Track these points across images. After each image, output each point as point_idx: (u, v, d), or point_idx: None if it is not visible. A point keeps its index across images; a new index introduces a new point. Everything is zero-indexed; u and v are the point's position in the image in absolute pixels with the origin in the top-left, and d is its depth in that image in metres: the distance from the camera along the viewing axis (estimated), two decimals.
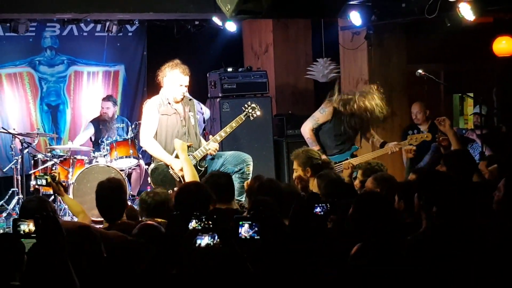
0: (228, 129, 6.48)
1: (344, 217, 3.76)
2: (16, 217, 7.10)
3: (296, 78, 9.56)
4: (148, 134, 6.35)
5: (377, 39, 8.22)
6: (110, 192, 4.56)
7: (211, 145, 6.36)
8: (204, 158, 6.38)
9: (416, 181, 4.37)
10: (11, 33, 8.80)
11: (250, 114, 6.58)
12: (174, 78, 6.34)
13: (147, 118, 6.43)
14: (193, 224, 3.15)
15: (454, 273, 3.22)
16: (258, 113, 6.66)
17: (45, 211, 3.65)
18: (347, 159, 6.64)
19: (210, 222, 3.10)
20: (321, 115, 6.86)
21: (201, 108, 7.67)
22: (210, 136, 6.73)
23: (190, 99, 6.60)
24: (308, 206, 3.84)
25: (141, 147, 8.06)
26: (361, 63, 8.32)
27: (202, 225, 3.13)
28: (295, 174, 5.76)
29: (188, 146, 6.30)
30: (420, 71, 6.94)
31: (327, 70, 8.67)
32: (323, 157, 5.89)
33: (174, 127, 6.37)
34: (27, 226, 3.11)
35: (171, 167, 6.27)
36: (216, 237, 3.07)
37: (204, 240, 3.09)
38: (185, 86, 6.40)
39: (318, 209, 3.88)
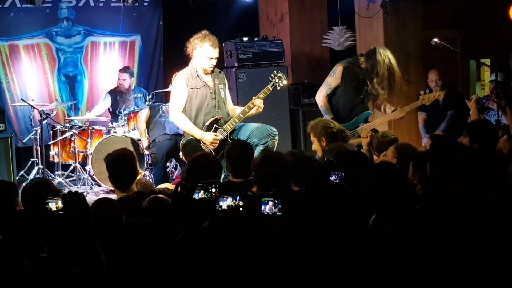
0: (261, 95, 6.36)
1: (356, 187, 3.79)
2: None
3: (311, 47, 9.54)
4: (177, 108, 6.27)
5: (393, 6, 8.16)
6: (118, 159, 4.58)
7: (257, 101, 6.29)
8: (233, 130, 6.32)
9: (429, 150, 4.36)
10: (28, 5, 8.87)
11: (277, 84, 6.45)
12: (204, 50, 6.24)
13: (176, 92, 6.34)
14: (200, 194, 3.13)
15: (462, 246, 3.22)
16: (285, 82, 6.55)
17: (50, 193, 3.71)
18: (360, 125, 6.65)
19: (217, 192, 3.10)
20: (332, 78, 6.81)
21: None
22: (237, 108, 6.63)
23: (220, 72, 6.53)
24: (324, 174, 3.84)
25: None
26: (377, 31, 8.28)
27: (208, 195, 3.12)
28: (313, 146, 5.77)
29: (218, 119, 6.27)
30: (435, 39, 6.89)
31: (342, 38, 8.63)
32: (338, 125, 5.85)
33: (203, 100, 6.28)
34: (55, 204, 3.17)
35: (202, 141, 6.22)
36: (238, 199, 3.07)
37: (227, 202, 3.10)
38: (215, 58, 6.30)
39: (333, 177, 3.91)
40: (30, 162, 8.36)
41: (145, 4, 10.06)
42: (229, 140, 6.16)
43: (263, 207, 3.00)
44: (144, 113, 8.15)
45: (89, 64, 9.94)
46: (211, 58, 6.26)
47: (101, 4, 9.83)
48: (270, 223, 3.06)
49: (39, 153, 8.18)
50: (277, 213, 2.98)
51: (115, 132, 8.34)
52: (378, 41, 8.23)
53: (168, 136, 7.81)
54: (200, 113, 6.27)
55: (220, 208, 3.06)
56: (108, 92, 9.07)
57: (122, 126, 8.39)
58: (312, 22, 9.49)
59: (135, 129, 8.37)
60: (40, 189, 3.92)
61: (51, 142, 8.44)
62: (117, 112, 8.65)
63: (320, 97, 6.84)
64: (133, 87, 9.04)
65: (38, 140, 8.21)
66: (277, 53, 8.72)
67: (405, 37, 8.27)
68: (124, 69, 9.04)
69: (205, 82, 6.30)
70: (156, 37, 10.22)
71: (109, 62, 9.97)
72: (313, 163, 4.44)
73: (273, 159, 4.34)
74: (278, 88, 6.52)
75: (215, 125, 6.25)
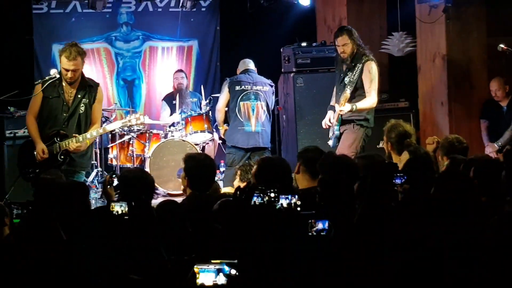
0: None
1: (420, 192, 3.72)
2: (95, 190, 7.30)
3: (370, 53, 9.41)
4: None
5: (456, 11, 8.00)
6: (204, 165, 4.55)
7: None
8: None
9: (505, 159, 4.25)
10: (89, 10, 9.00)
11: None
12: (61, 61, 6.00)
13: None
14: (259, 199, 3.14)
15: None
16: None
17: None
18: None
19: (276, 197, 3.07)
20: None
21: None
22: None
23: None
24: (387, 175, 3.78)
25: (215, 122, 8.18)
26: (439, 36, 8.12)
27: (265, 200, 3.11)
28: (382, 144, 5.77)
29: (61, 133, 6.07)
30: (502, 45, 6.75)
31: (402, 44, 8.49)
32: (408, 127, 5.71)
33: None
34: (120, 208, 3.18)
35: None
36: (296, 197, 3.07)
37: (285, 201, 3.09)
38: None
39: (397, 180, 3.85)
40: None
41: (203, 9, 10.11)
42: (59, 159, 5.97)
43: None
44: (221, 102, 7.86)
45: (147, 69, 10.04)
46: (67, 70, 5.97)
47: (159, 9, 9.93)
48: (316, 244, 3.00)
49: (98, 156, 8.27)
50: (324, 234, 2.95)
51: (173, 136, 8.38)
52: (439, 47, 8.09)
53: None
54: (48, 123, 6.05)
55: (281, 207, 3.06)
56: (164, 100, 9.12)
57: (179, 130, 8.43)
58: (371, 27, 9.36)
59: (192, 133, 8.39)
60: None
61: (109, 145, 8.53)
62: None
63: None
64: (190, 88, 9.10)
65: (97, 143, 8.30)
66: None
67: (468, 43, 8.09)
68: (179, 70, 9.21)
69: (60, 93, 6.04)
70: (213, 42, 10.25)
71: (166, 66, 10.04)
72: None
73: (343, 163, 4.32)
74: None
75: (54, 138, 6.03)
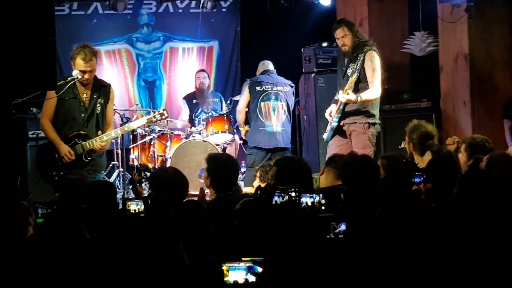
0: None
1: (443, 192, 3.69)
2: (117, 190, 7.29)
3: (391, 53, 9.33)
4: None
5: (479, 11, 7.92)
6: (226, 165, 4.55)
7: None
8: None
9: None
10: (110, 11, 9.05)
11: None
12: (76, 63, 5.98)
13: None
14: (280, 198, 3.14)
15: None
16: None
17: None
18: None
19: (297, 196, 3.07)
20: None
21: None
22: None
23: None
24: (406, 174, 3.76)
25: (236, 122, 8.18)
26: (461, 36, 8.05)
27: (286, 199, 3.11)
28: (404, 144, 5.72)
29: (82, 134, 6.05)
30: None
31: (424, 43, 8.43)
32: (430, 128, 5.66)
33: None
34: (136, 206, 3.19)
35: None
36: (321, 196, 3.06)
37: (308, 200, 3.09)
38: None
39: (417, 179, 3.83)
40: (111, 165, 8.50)
41: (223, 10, 10.13)
42: (84, 159, 5.98)
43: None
44: (242, 103, 7.88)
45: (168, 70, 10.08)
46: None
47: (180, 10, 9.96)
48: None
49: (119, 156, 8.31)
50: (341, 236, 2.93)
51: (194, 137, 8.39)
52: (462, 47, 8.02)
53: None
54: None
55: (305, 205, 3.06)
56: (184, 99, 9.15)
57: (200, 131, 8.44)
58: (392, 27, 9.30)
59: (213, 133, 8.39)
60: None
61: (131, 146, 8.56)
62: (193, 116, 8.72)
63: None
64: (211, 88, 9.12)
65: (119, 143, 8.34)
66: None
67: (491, 43, 8.01)
68: (202, 70, 9.21)
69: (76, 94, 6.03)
70: (233, 43, 10.26)
71: (187, 67, 10.08)
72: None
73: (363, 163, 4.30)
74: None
75: (75, 140, 6.02)
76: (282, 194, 3.13)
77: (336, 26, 6.56)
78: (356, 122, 6.41)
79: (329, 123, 6.57)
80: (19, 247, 3.15)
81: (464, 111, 8.04)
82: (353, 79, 6.30)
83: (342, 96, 6.27)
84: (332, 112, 6.53)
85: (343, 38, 6.45)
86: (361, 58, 6.35)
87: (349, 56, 6.48)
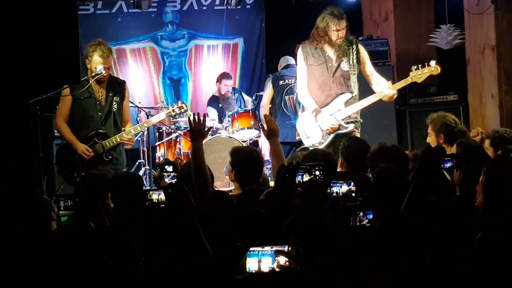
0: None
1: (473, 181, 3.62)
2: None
3: (417, 46, 9.26)
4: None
5: (505, 2, 7.79)
6: (250, 158, 4.50)
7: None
8: None
9: None
10: (134, 10, 9.11)
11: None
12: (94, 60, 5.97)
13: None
14: (304, 177, 3.11)
15: None
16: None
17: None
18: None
19: (321, 175, 3.03)
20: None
21: None
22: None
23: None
24: (436, 159, 3.70)
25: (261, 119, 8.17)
26: (488, 28, 7.93)
27: (311, 177, 3.08)
28: (428, 139, 5.59)
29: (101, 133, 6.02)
30: None
31: (451, 36, 8.35)
32: (460, 125, 5.61)
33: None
34: (158, 196, 3.18)
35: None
36: (352, 184, 3.03)
37: (343, 188, 3.06)
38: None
39: (447, 164, 3.75)
40: (137, 163, 8.54)
41: (248, 6, 10.12)
42: (104, 158, 5.95)
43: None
44: (266, 98, 7.89)
45: (193, 67, 10.09)
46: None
47: (204, 8, 9.97)
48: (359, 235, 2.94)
49: (145, 154, 8.34)
50: (367, 225, 2.89)
51: (219, 133, 8.38)
52: (489, 39, 7.91)
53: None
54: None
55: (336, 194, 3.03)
56: (209, 105, 9.05)
57: (226, 127, 8.43)
58: (418, 20, 9.22)
59: (239, 129, 8.38)
60: None
61: (157, 144, 8.58)
62: (222, 118, 8.74)
63: None
64: (236, 85, 9.14)
65: (145, 141, 8.36)
66: (382, 52, 8.54)
67: None
68: (228, 76, 9.02)
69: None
70: (258, 39, 10.25)
71: (212, 65, 10.09)
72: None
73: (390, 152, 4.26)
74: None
75: (94, 139, 6.00)
76: (306, 173, 3.10)
77: (341, 16, 6.25)
78: (354, 123, 6.27)
79: (325, 134, 6.14)
80: (42, 241, 3.16)
81: (492, 103, 7.93)
82: (373, 75, 6.25)
83: (393, 92, 6.10)
84: (337, 117, 6.12)
85: (343, 30, 6.20)
86: (354, 49, 6.18)
87: (339, 50, 6.15)
